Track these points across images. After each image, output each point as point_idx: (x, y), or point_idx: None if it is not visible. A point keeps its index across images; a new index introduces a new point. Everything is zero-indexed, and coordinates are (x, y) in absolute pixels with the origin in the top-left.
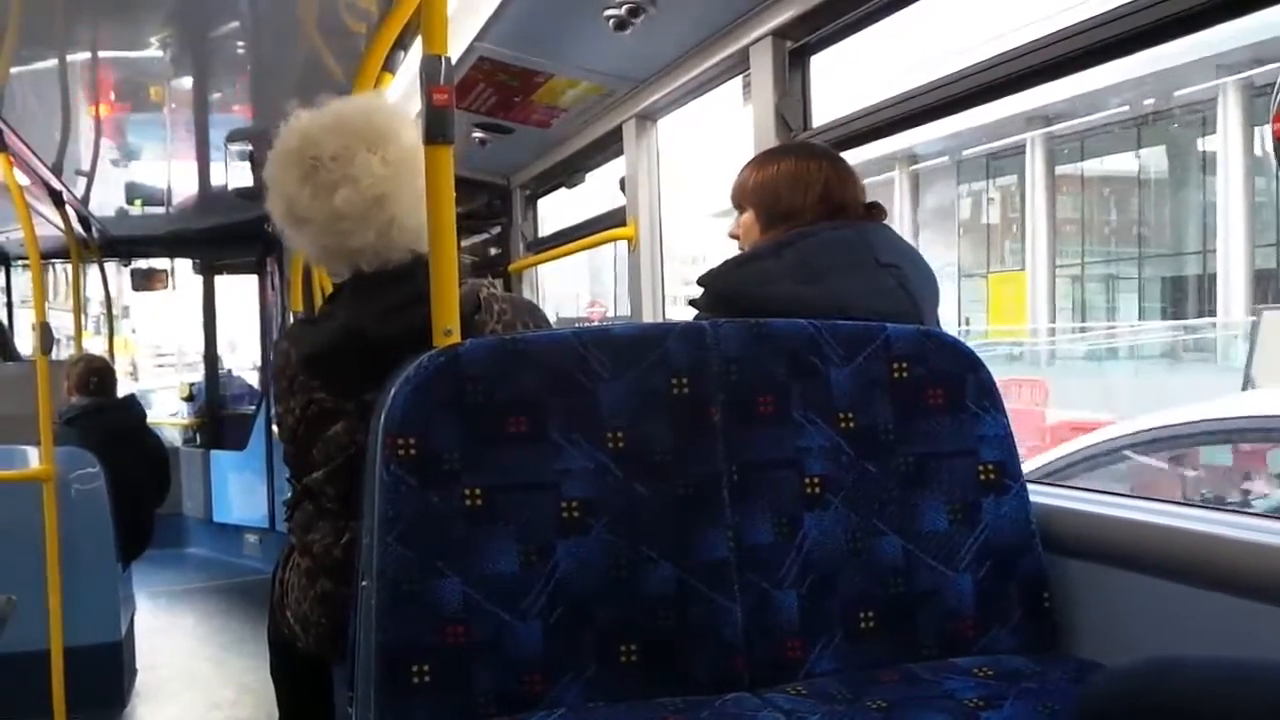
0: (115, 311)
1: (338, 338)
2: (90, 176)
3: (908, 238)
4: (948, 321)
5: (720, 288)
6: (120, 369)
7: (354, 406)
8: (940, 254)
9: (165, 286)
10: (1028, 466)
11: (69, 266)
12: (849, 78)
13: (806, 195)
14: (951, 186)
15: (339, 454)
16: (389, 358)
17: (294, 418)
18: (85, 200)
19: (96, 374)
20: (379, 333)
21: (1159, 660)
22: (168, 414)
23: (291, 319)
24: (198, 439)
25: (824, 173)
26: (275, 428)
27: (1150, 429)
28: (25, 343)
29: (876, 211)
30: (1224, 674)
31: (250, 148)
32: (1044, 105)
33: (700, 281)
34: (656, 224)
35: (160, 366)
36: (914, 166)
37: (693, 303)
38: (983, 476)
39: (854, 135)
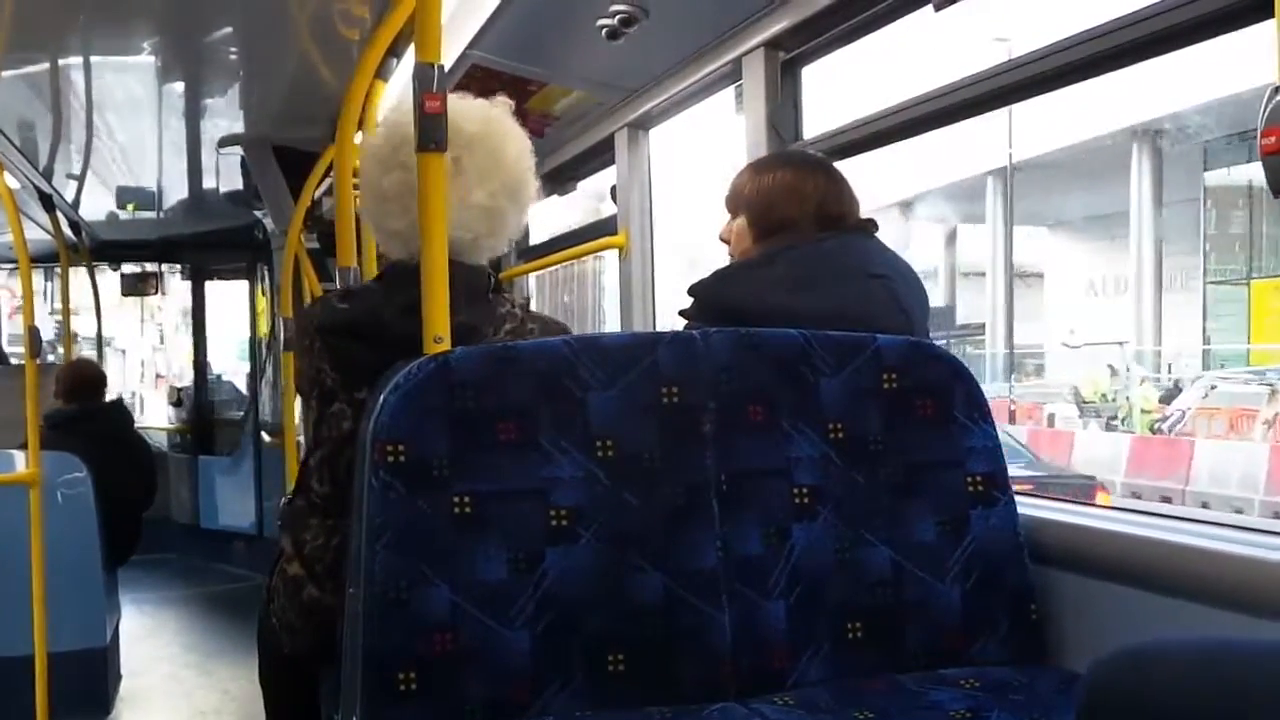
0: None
1: (353, 319)
2: (81, 181)
3: (1148, 237)
4: (1185, 337)
5: (710, 297)
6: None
7: (349, 400)
8: (1178, 258)
9: (155, 292)
10: None
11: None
12: None
13: (802, 207)
14: (1196, 172)
15: (332, 438)
16: (398, 355)
17: (311, 376)
18: (76, 204)
19: (84, 379)
20: (399, 329)
21: (1144, 649)
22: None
23: (281, 325)
24: (186, 444)
25: (821, 187)
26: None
27: None
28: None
29: (868, 225)
30: (1206, 656)
31: (241, 153)
32: None
33: (690, 291)
34: (648, 233)
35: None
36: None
37: (683, 313)
38: (971, 488)
39: (846, 146)
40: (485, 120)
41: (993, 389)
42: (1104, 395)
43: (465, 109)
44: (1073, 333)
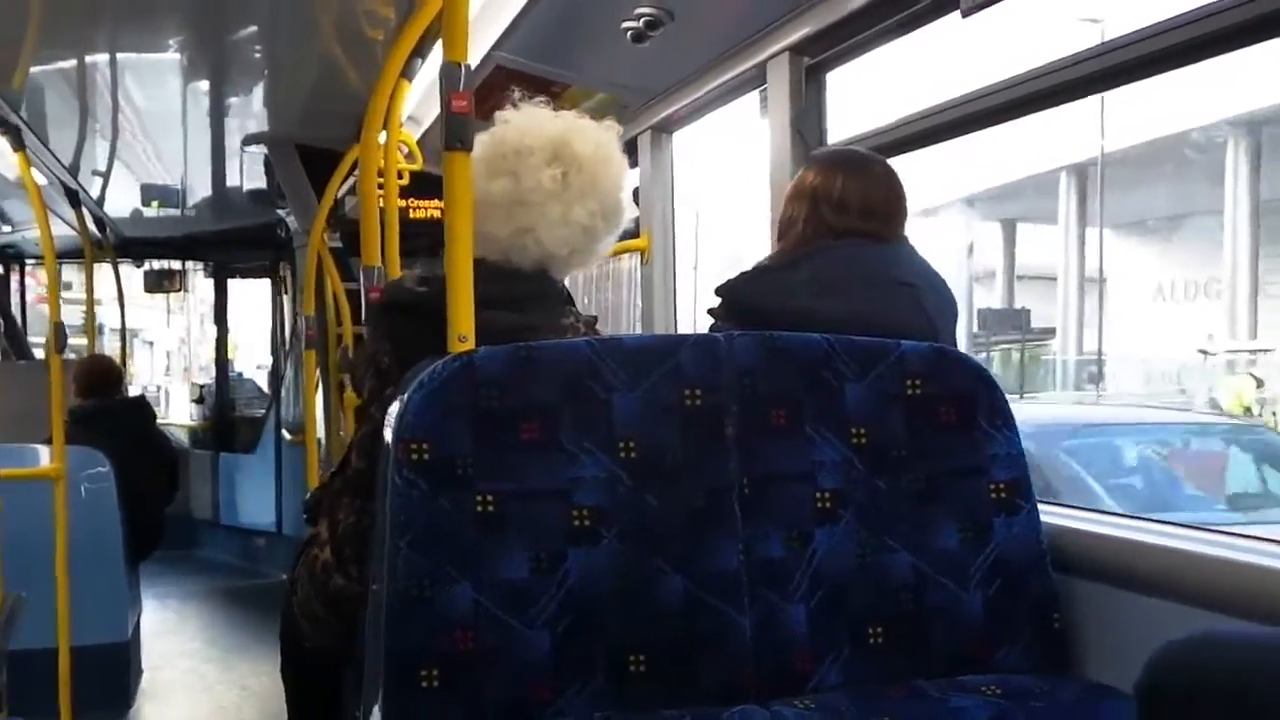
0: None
1: (417, 301)
2: (106, 177)
3: (1244, 239)
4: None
5: (735, 298)
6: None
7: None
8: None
9: (178, 289)
10: None
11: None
12: None
13: (795, 208)
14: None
15: (376, 418)
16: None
17: (370, 356)
18: (101, 201)
19: (99, 373)
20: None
21: (1210, 634)
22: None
23: (303, 323)
24: (207, 441)
25: (811, 184)
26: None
27: None
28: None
29: (879, 232)
30: (1267, 644)
31: (265, 151)
32: None
33: (718, 291)
34: (670, 236)
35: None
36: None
37: (711, 311)
38: (994, 495)
39: (882, 149)
40: (597, 144)
41: (1063, 398)
42: (1248, 408)
43: (580, 128)
44: (1211, 338)
